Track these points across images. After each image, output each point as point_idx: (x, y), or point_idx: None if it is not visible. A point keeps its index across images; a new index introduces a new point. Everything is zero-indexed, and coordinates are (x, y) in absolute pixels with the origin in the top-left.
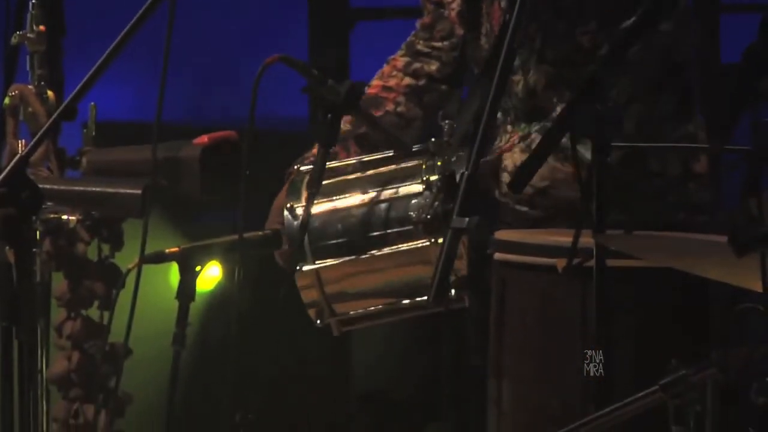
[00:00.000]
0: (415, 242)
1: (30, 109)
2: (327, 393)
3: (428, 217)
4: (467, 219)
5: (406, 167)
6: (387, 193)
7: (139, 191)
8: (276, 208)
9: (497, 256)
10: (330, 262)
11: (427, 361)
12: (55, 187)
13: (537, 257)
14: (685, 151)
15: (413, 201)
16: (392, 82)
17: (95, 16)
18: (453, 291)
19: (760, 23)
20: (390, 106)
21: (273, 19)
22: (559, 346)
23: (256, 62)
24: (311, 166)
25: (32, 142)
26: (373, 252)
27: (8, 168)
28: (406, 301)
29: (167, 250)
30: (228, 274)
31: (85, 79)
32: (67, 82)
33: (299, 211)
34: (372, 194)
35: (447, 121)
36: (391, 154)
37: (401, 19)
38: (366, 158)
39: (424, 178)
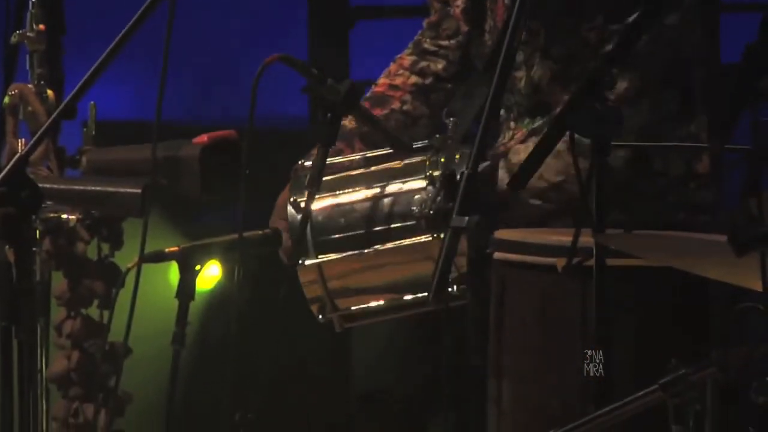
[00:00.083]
0: (417, 237)
1: (30, 108)
2: (327, 393)
3: (431, 212)
4: (467, 218)
5: (410, 163)
6: (390, 189)
7: (138, 190)
8: (280, 205)
9: (497, 255)
10: (332, 256)
11: (426, 360)
12: (55, 186)
13: (537, 256)
14: (687, 151)
15: (416, 196)
16: (399, 81)
17: (95, 16)
18: (454, 287)
19: (761, 23)
20: (396, 105)
21: (273, 18)
22: (559, 346)
23: (255, 61)
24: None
25: (32, 141)
26: (375, 247)
27: (8, 167)
28: (407, 297)
29: (167, 250)
30: (228, 273)
31: (84, 78)
32: (66, 81)
33: (303, 205)
34: (375, 190)
35: (451, 119)
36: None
37: (401, 18)
38: (370, 154)
39: (428, 174)
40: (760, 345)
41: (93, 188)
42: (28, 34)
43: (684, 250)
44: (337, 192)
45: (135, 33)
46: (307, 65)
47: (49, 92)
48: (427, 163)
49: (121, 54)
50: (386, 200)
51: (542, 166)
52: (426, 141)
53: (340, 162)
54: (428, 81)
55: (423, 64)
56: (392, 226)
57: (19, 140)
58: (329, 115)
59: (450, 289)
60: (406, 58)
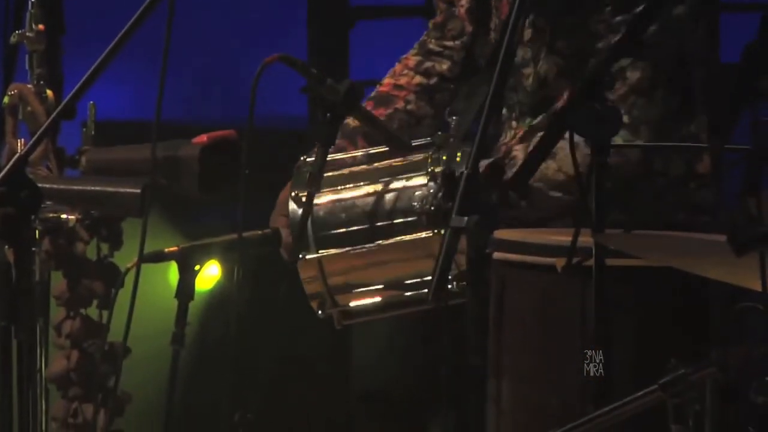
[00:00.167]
0: (418, 233)
1: (29, 108)
2: (327, 392)
3: (432, 208)
4: (466, 218)
5: (412, 160)
6: (392, 185)
7: (138, 190)
8: (281, 202)
9: (496, 255)
10: (333, 251)
11: (426, 360)
12: (55, 186)
13: (536, 256)
14: (688, 151)
15: (417, 192)
16: (403, 81)
17: (94, 15)
18: (454, 284)
19: (760, 22)
20: (400, 104)
21: (272, 18)
22: (559, 346)
23: (255, 61)
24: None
25: (31, 141)
26: (376, 242)
27: (7, 167)
28: (407, 294)
29: (166, 250)
30: (227, 273)
31: (84, 78)
32: (66, 81)
33: (304, 200)
34: (377, 186)
35: (454, 117)
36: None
37: (401, 18)
38: (373, 151)
39: (429, 170)
40: (760, 345)
41: (92, 188)
42: (27, 34)
43: (684, 250)
44: (339, 188)
45: (134, 33)
46: (307, 65)
47: (49, 92)
48: (429, 159)
49: (121, 54)
50: (387, 196)
51: (562, 158)
52: (428, 139)
53: (342, 159)
54: (433, 81)
55: (428, 64)
56: (393, 221)
57: (19, 140)
58: (329, 115)
59: (450, 286)
60: (411, 59)
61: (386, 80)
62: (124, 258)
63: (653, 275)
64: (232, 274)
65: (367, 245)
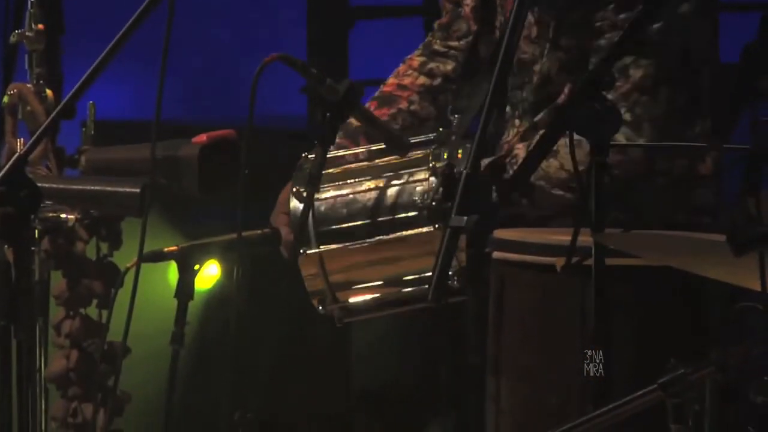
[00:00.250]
0: (419, 228)
1: (29, 108)
2: (326, 391)
3: (433, 203)
4: (465, 218)
5: (414, 156)
6: (393, 180)
7: (137, 190)
8: (282, 200)
9: (496, 254)
10: (334, 246)
11: (426, 359)
12: (54, 185)
13: (536, 256)
14: (689, 151)
15: (418, 187)
16: (407, 81)
17: (94, 15)
18: (455, 280)
19: (760, 22)
20: (403, 105)
21: (272, 17)
22: (558, 345)
23: (255, 61)
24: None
25: (31, 141)
26: (378, 237)
27: (7, 167)
28: (408, 290)
29: (166, 249)
30: (227, 272)
31: (83, 77)
32: (65, 80)
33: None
34: (378, 181)
35: (456, 116)
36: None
37: (400, 18)
38: (374, 147)
39: (431, 165)
40: (759, 344)
41: (92, 188)
42: (27, 33)
43: (683, 249)
44: (340, 183)
45: (134, 32)
46: (306, 65)
47: (48, 92)
48: (430, 155)
49: (120, 53)
50: (389, 191)
51: (564, 156)
52: (429, 136)
53: (343, 156)
54: (436, 82)
55: (432, 65)
56: (395, 216)
57: (18, 140)
58: (328, 114)
59: (451, 282)
60: (416, 59)
61: (390, 80)
62: (124, 257)
63: (653, 275)
64: (231, 274)
65: (368, 240)
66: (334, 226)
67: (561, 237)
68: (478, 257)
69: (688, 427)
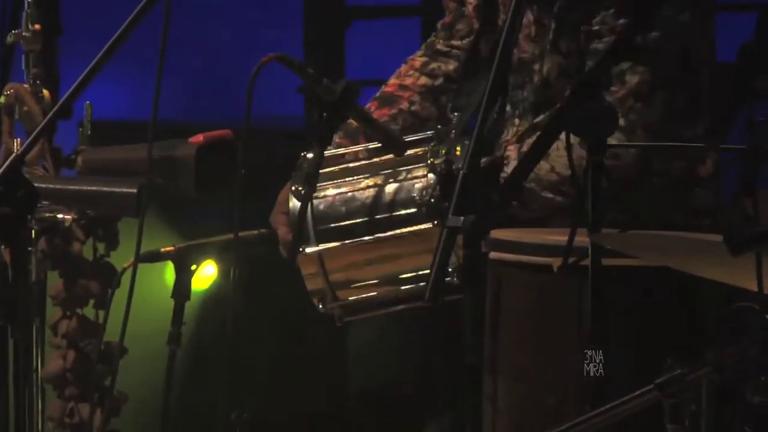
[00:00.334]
0: (418, 225)
1: (25, 108)
2: (323, 391)
3: (432, 200)
4: (462, 218)
5: (413, 154)
6: (392, 178)
7: (134, 190)
8: (281, 200)
9: (493, 254)
10: (333, 244)
11: (423, 359)
12: (51, 186)
13: (533, 256)
14: (687, 153)
15: (417, 184)
16: (408, 81)
17: (91, 15)
18: (455, 277)
19: (756, 22)
20: (404, 105)
21: (268, 18)
22: (555, 345)
23: (251, 61)
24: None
25: (28, 141)
26: (377, 235)
27: (4, 167)
28: (407, 287)
29: (163, 249)
30: (223, 273)
31: (80, 78)
32: (62, 81)
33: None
34: (377, 179)
35: (456, 114)
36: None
37: (396, 18)
38: (373, 146)
39: (429, 162)
40: (756, 345)
41: (89, 188)
42: (23, 34)
43: (680, 249)
44: (339, 181)
45: (131, 33)
46: (303, 65)
47: (45, 92)
48: (429, 152)
49: (117, 54)
50: (387, 188)
51: (555, 159)
52: (427, 133)
53: (342, 154)
54: (438, 82)
55: (434, 65)
56: (393, 213)
57: (15, 140)
58: (325, 114)
59: (450, 279)
60: (418, 59)
61: (391, 81)
62: (121, 258)
63: (649, 275)
64: (228, 274)
65: (367, 237)
66: (333, 224)
67: (558, 237)
68: (474, 257)
69: (684, 427)
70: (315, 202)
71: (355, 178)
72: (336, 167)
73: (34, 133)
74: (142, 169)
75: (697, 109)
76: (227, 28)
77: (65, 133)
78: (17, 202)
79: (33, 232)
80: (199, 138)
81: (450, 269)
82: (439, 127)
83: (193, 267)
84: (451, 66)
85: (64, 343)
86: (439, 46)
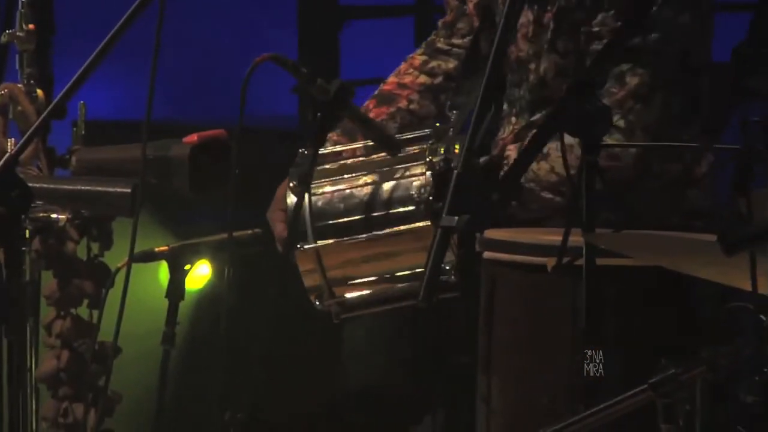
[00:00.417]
0: (416, 223)
1: (19, 108)
2: (317, 391)
3: (430, 197)
4: (456, 218)
5: (411, 151)
6: (390, 175)
7: (128, 190)
8: (279, 196)
9: (487, 254)
10: (331, 241)
11: (416, 358)
12: (45, 185)
13: (527, 256)
14: (684, 155)
15: (415, 182)
16: (407, 80)
17: (85, 15)
18: (452, 275)
19: (750, 22)
20: (403, 103)
21: (263, 17)
22: (549, 345)
23: (246, 61)
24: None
25: (22, 141)
26: (374, 232)
27: None
28: (404, 285)
29: (157, 249)
30: (217, 272)
31: (74, 77)
32: (56, 80)
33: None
34: (375, 176)
35: (454, 112)
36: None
37: (391, 18)
38: (372, 143)
39: (427, 160)
40: (750, 344)
41: (83, 188)
42: (17, 33)
43: (674, 249)
44: (337, 179)
45: (125, 33)
46: (297, 65)
47: (39, 92)
48: (427, 150)
49: (111, 54)
50: (385, 186)
51: (555, 160)
52: (425, 131)
53: (341, 152)
54: (437, 81)
55: (433, 63)
56: (391, 211)
57: (9, 140)
58: (319, 114)
59: (447, 277)
60: (417, 58)
61: (391, 79)
62: (115, 258)
63: (644, 275)
64: (222, 274)
65: (365, 235)
66: (331, 221)
67: (552, 237)
68: (469, 257)
69: (678, 427)
70: (313, 199)
71: (354, 175)
72: (334, 164)
73: (28, 133)
74: (136, 168)
75: (696, 110)
76: (221, 28)
77: (59, 133)
78: (11, 202)
79: (27, 231)
80: (193, 138)
81: (447, 267)
82: (437, 125)
83: (187, 267)
84: (451, 64)
85: (58, 343)
86: (439, 45)
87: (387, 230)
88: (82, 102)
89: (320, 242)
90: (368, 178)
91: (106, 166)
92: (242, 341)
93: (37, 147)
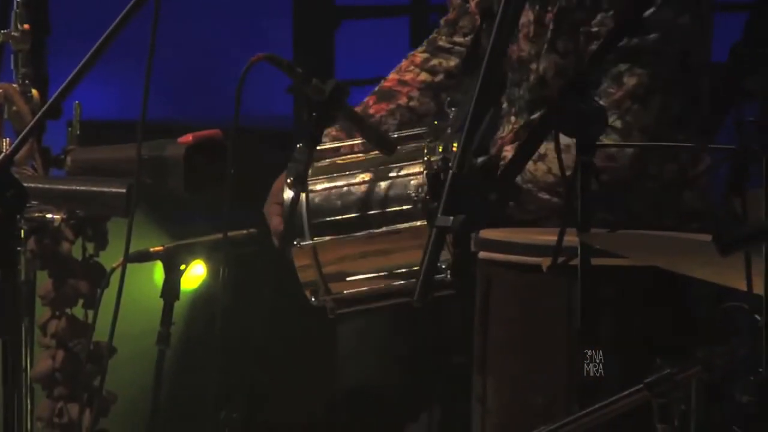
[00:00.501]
0: (413, 222)
1: (14, 108)
2: (312, 391)
3: (427, 197)
4: (452, 218)
5: (409, 149)
6: (387, 173)
7: (123, 190)
8: (275, 190)
9: (482, 254)
10: (328, 238)
11: (411, 358)
12: (40, 185)
13: (522, 256)
14: (680, 157)
15: (413, 181)
16: (408, 77)
17: (80, 15)
18: (448, 274)
19: (745, 23)
20: (403, 100)
21: (258, 17)
22: (544, 345)
23: (241, 61)
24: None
25: (17, 141)
26: (371, 230)
27: None
28: (401, 282)
29: (152, 249)
30: (212, 272)
31: (69, 77)
32: (51, 80)
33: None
34: (373, 173)
35: (453, 109)
36: (395, 136)
37: (386, 18)
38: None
39: (425, 159)
40: (745, 344)
41: (78, 188)
42: (12, 33)
43: (669, 249)
44: (335, 175)
45: (120, 32)
46: (292, 65)
47: (34, 92)
48: (425, 148)
49: (106, 53)
50: (383, 184)
51: (552, 161)
52: (422, 128)
53: (339, 148)
54: (438, 78)
55: (434, 61)
56: (388, 210)
57: (4, 140)
58: (314, 114)
59: (444, 276)
60: (419, 55)
61: (391, 76)
62: (110, 258)
63: (639, 275)
64: (217, 274)
65: (361, 233)
66: (328, 218)
67: (547, 237)
68: (465, 257)
69: (674, 426)
70: (310, 195)
71: (352, 172)
72: (332, 160)
73: (23, 133)
74: (131, 169)
75: (693, 111)
76: (216, 28)
77: (54, 133)
78: (6, 202)
79: (22, 231)
80: (188, 138)
81: (443, 266)
82: (435, 122)
83: (183, 267)
84: (453, 62)
85: (54, 343)
86: (441, 43)
87: (384, 228)
88: (77, 102)
89: (317, 239)
90: (366, 176)
91: (101, 166)
92: (237, 341)
93: (32, 147)
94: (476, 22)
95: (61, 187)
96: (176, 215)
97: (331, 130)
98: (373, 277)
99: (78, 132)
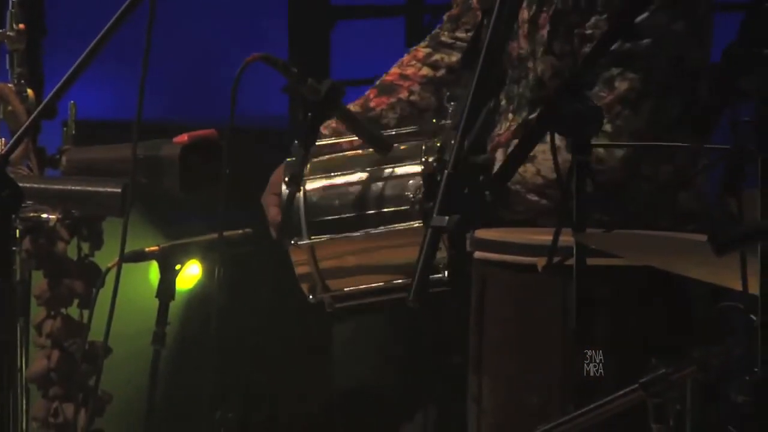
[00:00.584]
0: (410, 222)
1: (9, 108)
2: (307, 390)
3: (423, 197)
4: (447, 218)
5: (407, 147)
6: (386, 172)
7: (118, 190)
8: (273, 181)
9: (477, 254)
10: (325, 237)
11: (408, 358)
12: (35, 185)
13: (517, 256)
14: (675, 158)
15: (410, 182)
16: (409, 71)
17: (75, 15)
18: (445, 273)
19: (741, 23)
20: (404, 94)
21: (253, 17)
22: (539, 345)
23: (236, 61)
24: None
25: (12, 141)
26: (368, 230)
27: None
28: (398, 281)
29: (147, 249)
30: (208, 272)
31: (65, 77)
32: (46, 80)
33: (290, 194)
34: (371, 172)
35: (452, 104)
36: (393, 133)
37: (381, 18)
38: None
39: (423, 159)
40: (741, 344)
41: (73, 188)
42: (8, 33)
43: (665, 249)
44: (332, 173)
45: (115, 32)
46: (288, 64)
47: (29, 91)
48: (423, 147)
49: (102, 53)
50: (381, 184)
51: (541, 162)
52: (415, 127)
53: (337, 142)
54: (440, 73)
55: (437, 56)
56: (385, 210)
57: None
58: (309, 114)
59: (441, 276)
60: (421, 50)
61: (393, 70)
62: (105, 257)
63: (634, 275)
64: (212, 274)
65: (358, 232)
66: (325, 217)
67: (542, 237)
68: (460, 257)
69: (669, 426)
70: (308, 193)
71: (350, 170)
72: (330, 156)
73: (18, 133)
74: (126, 168)
75: (688, 116)
76: (212, 27)
77: (49, 133)
78: (2, 202)
79: (17, 231)
80: (184, 138)
81: (440, 266)
82: (434, 120)
83: (178, 267)
84: (455, 58)
85: (49, 343)
86: (443, 38)
87: (381, 228)
88: (72, 102)
89: (314, 238)
90: (364, 175)
91: (96, 166)
92: (233, 341)
93: (28, 147)
94: (478, 18)
95: (56, 186)
96: (171, 215)
97: (332, 122)
98: (371, 275)
99: (73, 132)
